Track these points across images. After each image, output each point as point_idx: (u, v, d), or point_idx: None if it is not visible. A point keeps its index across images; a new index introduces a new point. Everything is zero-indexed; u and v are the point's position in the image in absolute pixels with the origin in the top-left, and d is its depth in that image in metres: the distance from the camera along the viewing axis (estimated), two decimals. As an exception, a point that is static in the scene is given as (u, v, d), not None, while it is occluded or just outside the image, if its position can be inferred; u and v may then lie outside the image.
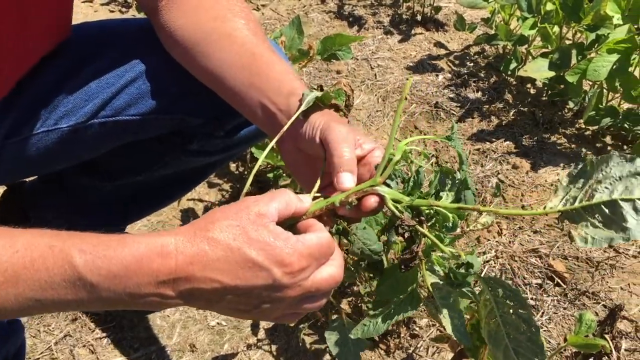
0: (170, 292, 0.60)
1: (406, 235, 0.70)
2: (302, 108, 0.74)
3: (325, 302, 0.67)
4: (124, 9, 2.83)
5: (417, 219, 0.68)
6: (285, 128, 0.73)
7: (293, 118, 0.74)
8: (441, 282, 0.70)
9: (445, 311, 0.69)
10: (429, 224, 0.70)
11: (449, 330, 0.68)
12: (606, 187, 0.61)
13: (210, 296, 0.61)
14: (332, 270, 0.65)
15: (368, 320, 0.76)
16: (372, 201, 0.69)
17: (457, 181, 0.69)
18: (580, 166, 0.63)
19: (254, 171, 0.74)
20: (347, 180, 0.69)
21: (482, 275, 1.53)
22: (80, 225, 0.67)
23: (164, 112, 1.02)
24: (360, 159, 0.74)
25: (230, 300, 0.62)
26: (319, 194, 0.71)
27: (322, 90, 1.60)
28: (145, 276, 0.59)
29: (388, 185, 0.69)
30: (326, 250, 0.65)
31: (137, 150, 1.12)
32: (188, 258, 0.59)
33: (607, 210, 0.61)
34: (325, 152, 0.72)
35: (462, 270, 0.67)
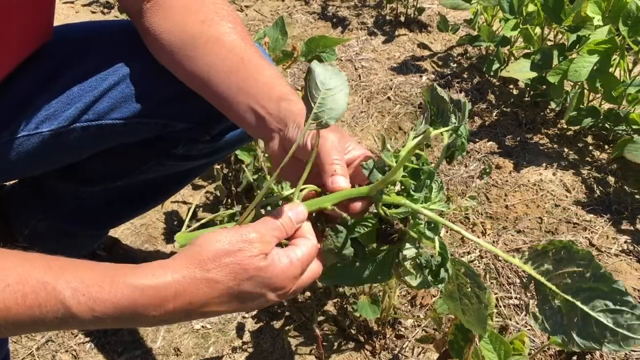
0: (164, 324, 0.65)
1: (391, 237, 0.71)
2: (300, 136, 0.73)
3: None
4: (106, 10, 2.81)
5: (403, 222, 0.69)
6: (286, 159, 0.71)
7: (293, 149, 0.72)
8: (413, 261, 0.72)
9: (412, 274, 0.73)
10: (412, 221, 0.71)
11: (415, 285, 0.72)
12: (576, 285, 0.61)
13: (205, 317, 0.65)
14: (312, 269, 0.69)
15: (341, 270, 0.76)
16: (358, 205, 0.70)
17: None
18: (568, 243, 0.63)
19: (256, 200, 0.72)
20: (341, 181, 0.71)
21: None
22: (64, 230, 0.67)
23: (148, 117, 1.01)
24: (349, 164, 0.75)
25: (222, 313, 0.66)
26: (307, 186, 0.72)
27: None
28: (140, 317, 0.60)
29: (381, 192, 0.69)
30: (312, 258, 0.68)
31: (120, 154, 1.11)
32: (187, 299, 0.61)
33: (566, 306, 0.62)
34: (312, 157, 0.73)
35: (432, 276, 0.70)
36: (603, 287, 0.59)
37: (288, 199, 0.72)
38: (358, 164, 0.76)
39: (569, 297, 0.61)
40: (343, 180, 0.71)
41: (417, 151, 0.70)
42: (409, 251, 0.71)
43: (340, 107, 0.68)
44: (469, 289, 0.68)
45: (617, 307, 0.58)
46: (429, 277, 0.70)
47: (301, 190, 0.71)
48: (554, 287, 0.62)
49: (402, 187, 0.70)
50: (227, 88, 0.85)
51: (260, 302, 0.65)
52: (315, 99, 0.68)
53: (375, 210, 0.71)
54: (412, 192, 0.69)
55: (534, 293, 0.65)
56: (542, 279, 0.63)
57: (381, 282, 0.77)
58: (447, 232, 1.68)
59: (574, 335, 0.61)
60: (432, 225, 0.70)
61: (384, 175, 0.68)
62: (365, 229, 0.72)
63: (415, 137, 0.68)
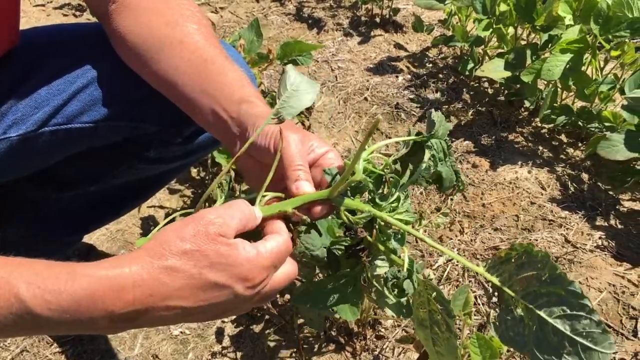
0: (127, 323, 0.59)
1: (354, 243, 0.70)
2: (257, 132, 0.72)
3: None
4: (77, 13, 2.77)
5: (371, 226, 0.68)
6: (240, 152, 0.71)
7: (247, 144, 0.72)
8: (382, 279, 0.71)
9: (386, 301, 0.71)
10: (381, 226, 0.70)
11: (389, 312, 0.71)
12: (535, 291, 0.57)
13: (171, 319, 0.60)
14: (287, 269, 0.66)
15: (311, 293, 0.75)
16: (320, 209, 0.69)
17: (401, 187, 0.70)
18: (527, 246, 0.59)
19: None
20: (305, 186, 0.69)
21: (445, 273, 1.55)
22: (35, 236, 0.65)
23: (117, 119, 0.99)
24: (313, 163, 0.74)
25: (192, 317, 0.62)
26: (268, 194, 0.70)
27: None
28: (99, 311, 0.57)
29: (344, 195, 0.68)
30: (284, 255, 0.65)
31: (91, 158, 1.09)
32: (147, 290, 0.57)
33: (527, 315, 0.58)
34: (275, 162, 0.72)
35: (395, 289, 0.69)
36: (559, 290, 0.55)
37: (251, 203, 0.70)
38: (321, 161, 0.74)
39: (527, 304, 0.57)
40: (307, 185, 0.69)
41: (393, 166, 0.69)
42: (379, 268, 0.69)
43: (301, 107, 0.69)
44: (439, 317, 0.65)
45: (574, 312, 0.54)
46: (393, 293, 0.67)
47: (263, 196, 0.69)
48: (513, 294, 0.58)
49: (370, 198, 0.69)
50: (191, 90, 0.83)
51: (230, 298, 0.60)
52: (280, 97, 0.70)
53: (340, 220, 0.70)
54: (378, 201, 0.67)
55: (498, 303, 0.61)
56: (504, 287, 0.60)
57: (353, 303, 0.75)
58: (416, 242, 1.69)
59: (533, 348, 0.56)
60: (399, 236, 0.69)
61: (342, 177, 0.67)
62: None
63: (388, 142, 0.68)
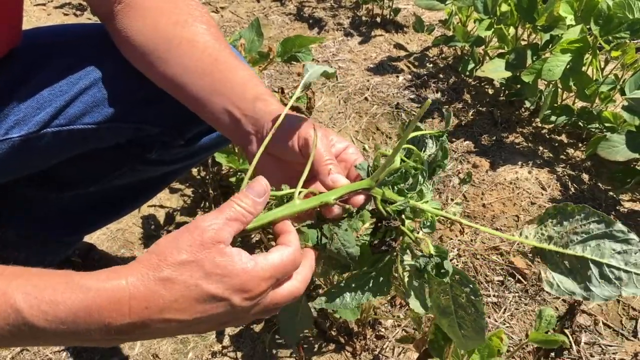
0: (124, 336, 0.58)
1: (386, 243, 0.71)
2: (278, 122, 0.74)
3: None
4: (78, 12, 2.77)
5: (400, 218, 0.70)
6: (262, 148, 0.72)
7: (269, 137, 0.73)
8: (411, 271, 0.72)
9: (412, 297, 0.73)
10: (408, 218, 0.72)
11: (416, 309, 0.72)
12: (580, 240, 0.62)
13: (167, 332, 0.60)
14: (292, 286, 0.64)
15: (336, 293, 0.76)
16: (360, 199, 0.70)
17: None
18: (561, 206, 0.64)
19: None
20: (340, 179, 0.70)
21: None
22: (35, 237, 0.64)
23: (120, 121, 0.99)
24: (335, 157, 0.75)
25: (189, 329, 0.61)
26: (303, 190, 0.71)
27: (282, 92, 1.59)
28: (95, 323, 0.56)
29: (381, 185, 0.71)
30: (290, 268, 0.63)
31: (92, 159, 1.09)
32: (142, 303, 0.57)
33: (577, 264, 0.63)
34: (311, 156, 0.72)
35: (435, 270, 0.69)
36: (607, 233, 0.61)
37: (289, 199, 0.71)
38: (343, 157, 0.76)
39: (578, 253, 0.62)
40: (341, 177, 0.71)
41: (414, 151, 0.73)
42: (407, 259, 0.72)
43: (323, 71, 0.77)
44: (464, 299, 0.67)
45: (624, 248, 0.60)
46: (433, 272, 0.68)
47: (299, 193, 0.70)
48: (561, 250, 0.63)
49: (398, 190, 0.72)
50: (202, 90, 0.83)
51: (227, 310, 0.59)
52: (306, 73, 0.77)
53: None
54: (407, 191, 0.71)
55: (543, 264, 0.65)
56: (548, 246, 0.64)
57: (382, 295, 0.76)
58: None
59: (593, 289, 0.61)
60: (429, 223, 0.71)
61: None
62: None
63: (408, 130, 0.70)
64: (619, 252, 0.60)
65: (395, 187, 0.71)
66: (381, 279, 0.74)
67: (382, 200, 0.70)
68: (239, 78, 0.83)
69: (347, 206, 0.70)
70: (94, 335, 0.57)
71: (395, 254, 0.72)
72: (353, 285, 0.74)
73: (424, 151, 0.75)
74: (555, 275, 0.64)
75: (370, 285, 0.74)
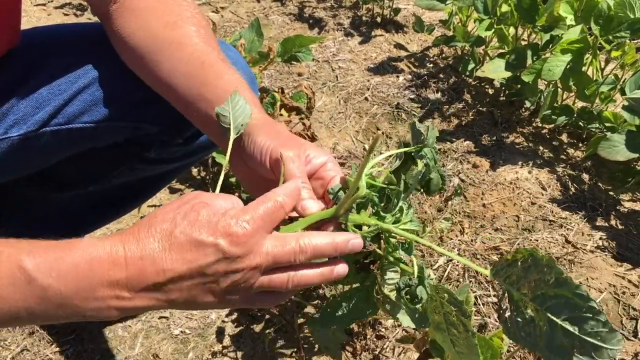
0: (125, 293, 0.60)
1: (363, 257, 0.71)
2: (232, 138, 0.74)
3: (296, 285, 0.66)
4: (78, 12, 2.77)
5: (378, 239, 0.69)
6: (227, 157, 0.74)
7: (229, 151, 0.74)
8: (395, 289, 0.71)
9: (401, 312, 0.72)
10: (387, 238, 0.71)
11: (405, 324, 0.72)
12: (543, 294, 0.59)
13: (168, 289, 0.61)
14: (289, 236, 0.65)
15: (326, 318, 0.76)
16: (329, 227, 0.69)
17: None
18: (532, 251, 0.60)
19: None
20: (311, 205, 0.70)
21: (445, 273, 1.55)
22: (34, 238, 0.65)
23: (119, 120, 0.99)
24: (312, 174, 0.74)
25: (190, 288, 0.62)
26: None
27: (282, 92, 1.59)
28: (97, 277, 0.59)
29: (348, 212, 0.69)
30: (278, 215, 0.64)
31: (91, 158, 1.09)
32: (137, 253, 0.59)
33: (536, 317, 0.60)
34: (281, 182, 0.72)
35: (408, 298, 0.69)
36: (567, 294, 0.57)
37: None
38: (321, 173, 0.74)
39: (537, 306, 0.59)
40: (312, 204, 0.70)
41: (390, 176, 0.71)
42: (390, 280, 0.71)
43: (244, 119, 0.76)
44: (455, 318, 0.66)
45: (582, 315, 0.56)
46: (406, 299, 0.68)
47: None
48: (523, 297, 0.60)
49: (374, 211, 0.70)
50: (189, 93, 0.83)
51: (219, 258, 0.60)
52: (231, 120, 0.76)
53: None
54: (382, 214, 0.69)
55: (507, 304, 0.63)
56: (512, 289, 0.61)
57: (370, 316, 0.76)
58: (417, 247, 1.69)
59: (545, 348, 0.58)
60: (406, 245, 0.70)
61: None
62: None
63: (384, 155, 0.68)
64: (576, 318, 0.56)
65: (374, 209, 0.70)
66: (368, 298, 0.75)
67: (356, 226, 0.69)
68: (223, 83, 0.82)
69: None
70: (97, 292, 0.59)
71: (375, 275, 0.71)
72: (343, 308, 0.75)
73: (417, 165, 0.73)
74: (515, 321, 0.61)
75: (358, 307, 0.75)
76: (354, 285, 0.77)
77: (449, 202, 1.77)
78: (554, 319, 0.57)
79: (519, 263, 0.61)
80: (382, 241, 0.69)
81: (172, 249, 0.60)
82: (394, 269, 0.70)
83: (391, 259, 0.69)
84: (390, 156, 0.74)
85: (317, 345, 1.39)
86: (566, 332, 0.57)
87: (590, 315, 0.56)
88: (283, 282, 0.65)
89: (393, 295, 0.70)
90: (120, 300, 0.60)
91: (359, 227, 0.69)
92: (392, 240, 0.70)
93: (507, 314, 0.62)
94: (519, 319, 0.61)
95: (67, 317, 0.61)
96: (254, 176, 0.78)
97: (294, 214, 0.70)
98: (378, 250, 0.69)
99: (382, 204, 0.70)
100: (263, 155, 0.74)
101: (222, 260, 0.60)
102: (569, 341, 0.57)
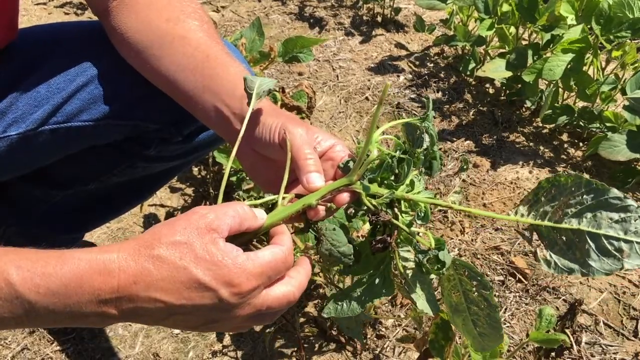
0: (112, 310, 0.58)
1: (379, 227, 0.69)
2: (252, 104, 0.73)
3: (277, 317, 0.66)
4: (79, 11, 2.77)
5: (392, 211, 0.68)
6: (242, 132, 0.72)
7: (247, 119, 0.72)
8: (412, 267, 0.70)
9: (417, 290, 0.70)
10: (401, 211, 0.70)
11: (421, 307, 0.70)
12: (575, 213, 0.58)
13: (155, 315, 0.59)
14: (286, 289, 0.63)
15: (341, 299, 0.75)
16: (344, 197, 0.68)
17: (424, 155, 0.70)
18: (554, 178, 0.60)
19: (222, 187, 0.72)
20: (316, 179, 0.69)
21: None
22: (36, 235, 0.64)
23: (117, 118, 0.99)
24: (321, 156, 0.73)
25: (177, 319, 0.60)
26: (287, 195, 0.70)
27: (283, 92, 1.58)
28: (86, 295, 0.56)
29: (361, 180, 0.68)
30: (281, 267, 0.62)
31: (91, 157, 1.09)
32: (131, 277, 0.57)
33: (574, 239, 0.59)
34: (288, 160, 0.71)
35: (431, 264, 0.67)
36: (601, 201, 0.56)
37: (273, 205, 0.70)
38: (330, 154, 0.74)
39: (574, 226, 0.58)
40: (317, 177, 0.69)
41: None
42: (408, 252, 0.69)
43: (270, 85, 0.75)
44: (475, 294, 0.65)
45: (622, 216, 0.55)
46: (430, 266, 0.66)
47: (283, 198, 0.69)
48: (557, 225, 0.59)
49: (386, 183, 0.69)
50: (193, 87, 0.83)
51: (214, 303, 0.58)
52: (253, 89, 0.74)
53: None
54: (395, 184, 0.68)
55: (540, 242, 0.61)
56: (543, 223, 0.60)
57: (386, 295, 0.74)
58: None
59: (592, 264, 0.57)
60: (421, 214, 0.69)
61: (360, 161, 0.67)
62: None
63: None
64: (616, 221, 0.56)
65: (385, 182, 0.69)
66: (385, 279, 0.73)
67: (370, 195, 0.68)
68: (229, 75, 0.82)
69: (329, 205, 0.68)
70: (84, 309, 0.57)
71: (392, 250, 0.70)
72: (358, 290, 0.73)
73: (421, 147, 0.72)
74: (552, 253, 0.60)
75: (375, 287, 0.72)
76: (370, 272, 0.76)
77: (458, 176, 1.76)
78: (595, 231, 0.57)
79: (542, 197, 0.61)
80: (395, 209, 0.68)
81: (170, 280, 0.57)
82: (407, 248, 0.69)
83: (406, 230, 0.68)
84: (394, 126, 0.73)
85: (317, 345, 1.39)
86: (610, 239, 0.56)
87: (631, 214, 0.55)
88: (272, 318, 0.66)
89: (410, 272, 0.69)
90: (106, 318, 0.58)
91: (372, 196, 0.68)
92: (406, 216, 0.69)
93: (543, 252, 0.61)
94: (555, 250, 0.60)
95: (54, 325, 0.60)
96: (261, 162, 0.78)
97: (303, 191, 0.70)
98: (394, 221, 0.67)
99: (392, 178, 0.69)
100: (272, 134, 0.73)
101: (217, 305, 0.59)
102: (616, 248, 0.56)
